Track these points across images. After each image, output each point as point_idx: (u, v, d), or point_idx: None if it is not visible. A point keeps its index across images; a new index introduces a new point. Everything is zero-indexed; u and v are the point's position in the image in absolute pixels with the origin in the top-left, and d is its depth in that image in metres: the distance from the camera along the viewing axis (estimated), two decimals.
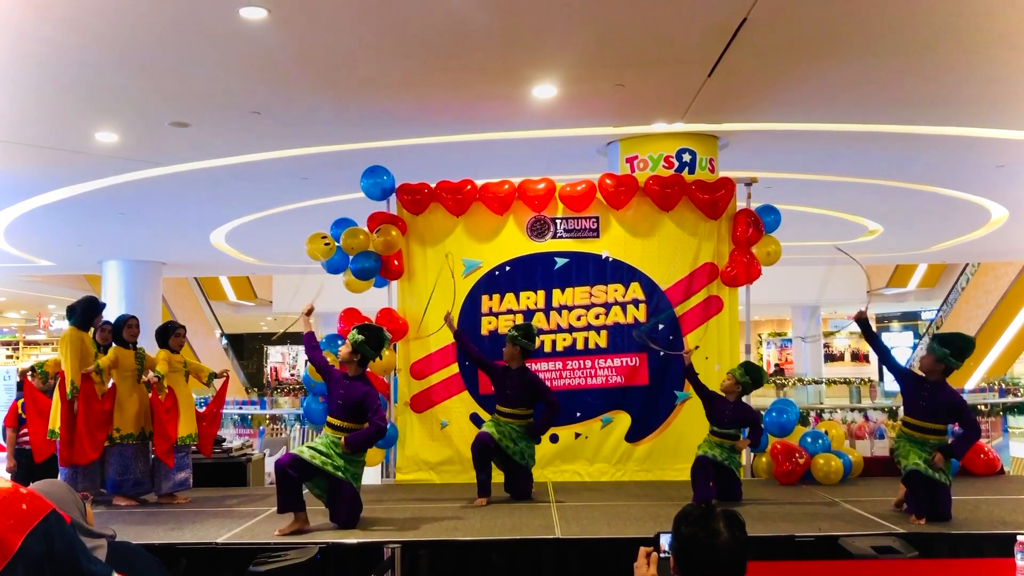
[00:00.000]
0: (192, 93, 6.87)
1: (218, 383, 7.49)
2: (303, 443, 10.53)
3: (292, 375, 34.14)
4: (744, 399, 6.59)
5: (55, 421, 6.54)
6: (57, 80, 6.49)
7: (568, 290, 7.79)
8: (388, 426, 7.14)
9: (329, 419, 5.78)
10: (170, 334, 7.01)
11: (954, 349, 5.65)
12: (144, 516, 6.27)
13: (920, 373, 5.89)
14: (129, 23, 5.46)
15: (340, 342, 6.74)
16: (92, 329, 6.84)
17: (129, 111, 7.31)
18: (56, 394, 6.62)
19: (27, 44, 5.78)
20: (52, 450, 6.66)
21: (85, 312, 6.76)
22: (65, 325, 6.86)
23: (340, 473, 5.58)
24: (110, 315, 7.16)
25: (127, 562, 2.61)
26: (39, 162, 8.76)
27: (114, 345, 6.88)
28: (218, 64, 6.24)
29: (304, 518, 5.57)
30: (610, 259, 7.82)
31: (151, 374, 6.70)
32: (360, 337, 5.76)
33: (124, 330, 6.89)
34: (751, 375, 6.50)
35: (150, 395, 6.84)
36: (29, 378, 7.02)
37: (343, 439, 5.61)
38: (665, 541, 2.72)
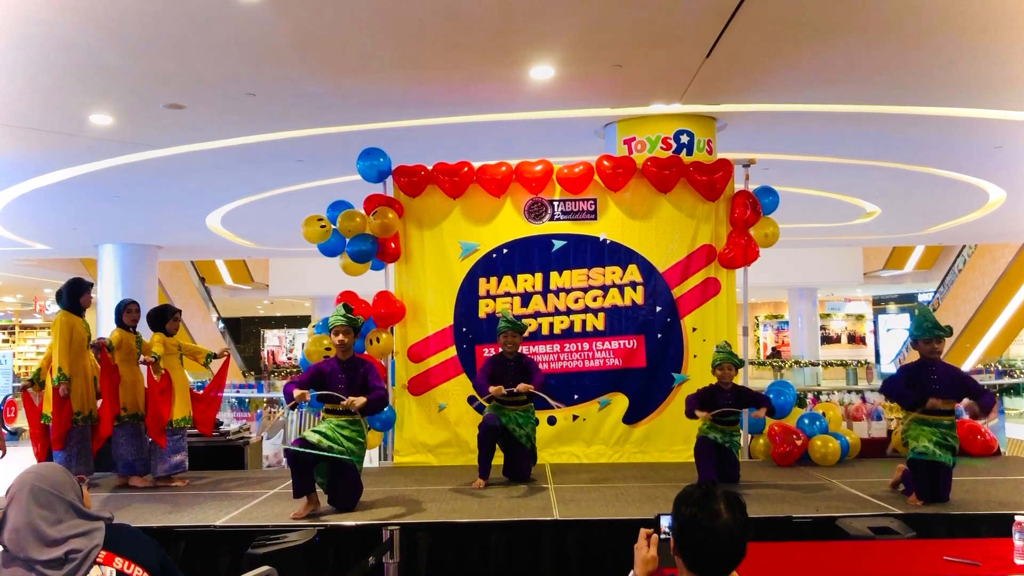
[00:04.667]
0: (187, 75, 6.81)
1: (216, 364, 7.48)
2: (300, 426, 10.58)
3: (289, 358, 34.21)
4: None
5: (47, 406, 6.54)
6: (51, 62, 6.44)
7: (566, 272, 7.78)
8: (387, 407, 7.16)
9: (327, 406, 5.77)
10: (167, 318, 7.00)
11: (921, 323, 5.73)
12: (142, 499, 6.27)
13: (918, 360, 5.88)
14: (123, 4, 5.40)
15: None
16: (84, 310, 6.82)
17: (124, 93, 7.25)
18: (48, 379, 6.61)
19: (20, 25, 5.72)
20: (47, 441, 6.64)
21: (72, 293, 6.74)
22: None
23: (346, 456, 5.59)
24: (108, 299, 7.14)
25: (124, 544, 2.60)
26: (33, 145, 8.71)
27: (116, 328, 6.90)
28: (213, 46, 6.18)
29: (316, 499, 5.60)
30: (608, 241, 7.80)
31: (148, 356, 6.73)
32: (345, 318, 5.73)
33: (124, 314, 6.93)
34: (730, 349, 6.47)
35: (146, 377, 6.86)
36: (30, 392, 6.91)
37: (365, 402, 5.57)
38: (665, 522, 2.71)
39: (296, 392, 5.57)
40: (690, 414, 6.30)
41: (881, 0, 5.56)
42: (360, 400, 5.56)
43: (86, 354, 6.72)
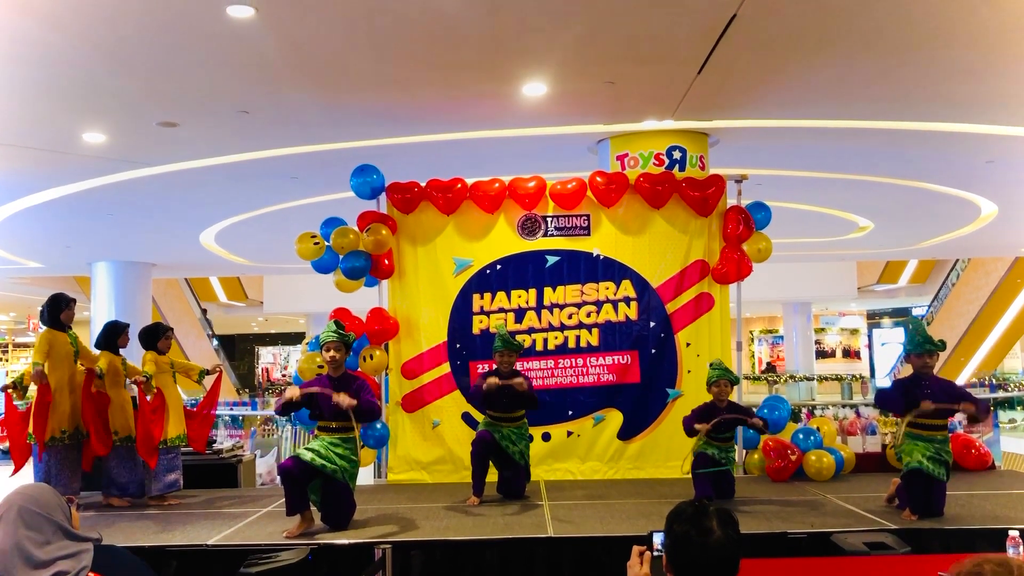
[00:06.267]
0: (180, 93, 6.82)
1: (209, 381, 7.45)
2: (295, 444, 10.55)
3: (284, 376, 34.11)
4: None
5: (31, 424, 6.51)
6: (43, 80, 6.44)
7: (559, 288, 7.77)
8: (379, 424, 7.14)
9: (320, 424, 5.74)
10: (159, 336, 6.96)
11: (912, 338, 5.76)
12: (134, 518, 6.23)
13: (912, 374, 5.88)
14: (116, 22, 5.41)
15: None
16: (67, 326, 6.76)
17: (116, 111, 7.26)
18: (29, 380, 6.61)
19: (12, 44, 5.73)
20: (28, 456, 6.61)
21: (52, 310, 6.69)
22: None
23: (338, 474, 5.56)
24: (102, 318, 7.11)
25: (113, 565, 2.58)
26: (26, 163, 8.70)
27: (103, 352, 6.86)
28: (206, 63, 6.19)
29: (310, 517, 5.56)
30: (601, 257, 7.81)
31: (139, 377, 6.69)
32: (337, 334, 5.72)
33: (121, 337, 6.93)
34: (725, 366, 6.45)
35: (136, 397, 6.83)
36: (11, 392, 6.88)
37: (355, 402, 5.53)
38: (658, 539, 2.70)
39: (288, 389, 5.58)
40: (690, 431, 6.28)
41: (871, 16, 5.60)
42: (350, 400, 5.52)
43: (73, 369, 6.68)
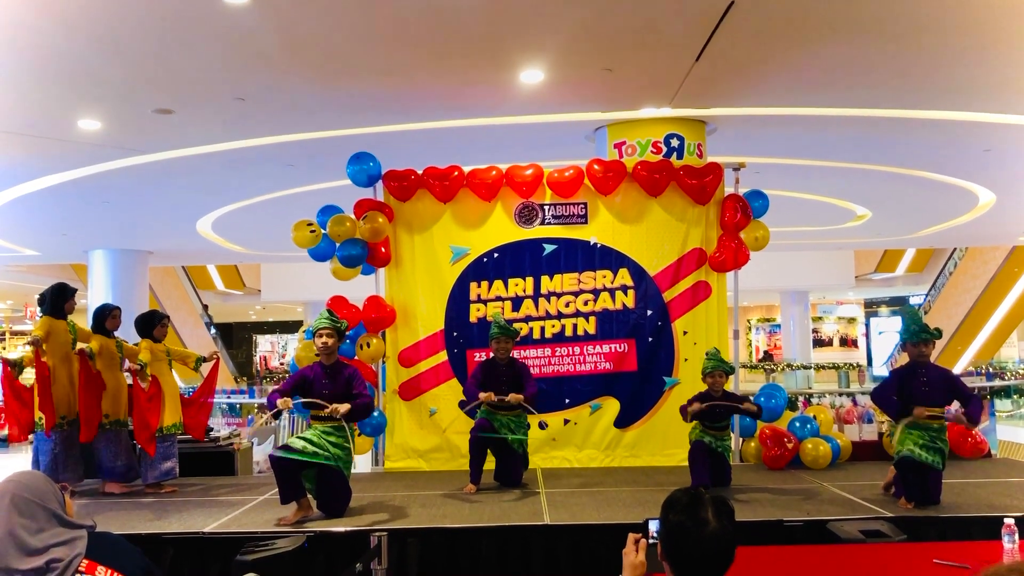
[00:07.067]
0: (175, 80, 6.79)
1: (206, 368, 7.44)
2: (292, 432, 10.54)
3: (281, 364, 34.11)
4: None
5: (36, 411, 6.52)
6: (38, 67, 6.41)
7: (557, 276, 7.76)
8: (376, 412, 7.14)
9: (313, 413, 5.73)
10: (155, 324, 6.95)
11: (908, 327, 5.75)
12: (130, 506, 6.22)
13: (908, 363, 5.87)
14: (110, 8, 5.38)
15: None
16: (67, 315, 6.77)
17: (112, 98, 7.22)
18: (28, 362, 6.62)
19: (7, 31, 5.69)
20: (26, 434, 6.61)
21: (56, 300, 6.71)
22: None
23: (332, 462, 5.56)
24: (96, 304, 7.08)
25: (107, 553, 2.57)
26: (21, 150, 8.66)
27: (96, 335, 6.84)
28: (201, 50, 6.16)
29: (307, 504, 5.56)
30: (598, 245, 7.79)
31: (134, 363, 6.67)
32: (329, 320, 5.73)
33: (108, 320, 6.87)
34: (720, 356, 6.45)
35: (131, 384, 6.82)
36: (9, 367, 6.87)
37: (349, 408, 5.54)
38: (654, 527, 2.70)
39: (279, 401, 5.54)
40: (685, 416, 6.28)
41: (868, 4, 5.57)
42: (343, 407, 5.53)
43: (71, 357, 6.67)
